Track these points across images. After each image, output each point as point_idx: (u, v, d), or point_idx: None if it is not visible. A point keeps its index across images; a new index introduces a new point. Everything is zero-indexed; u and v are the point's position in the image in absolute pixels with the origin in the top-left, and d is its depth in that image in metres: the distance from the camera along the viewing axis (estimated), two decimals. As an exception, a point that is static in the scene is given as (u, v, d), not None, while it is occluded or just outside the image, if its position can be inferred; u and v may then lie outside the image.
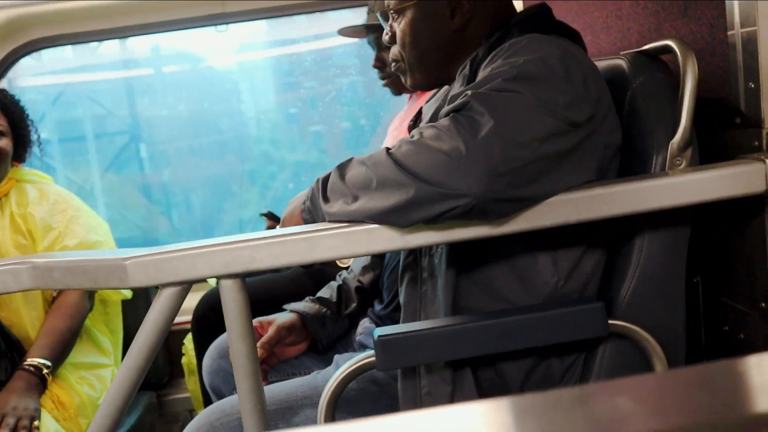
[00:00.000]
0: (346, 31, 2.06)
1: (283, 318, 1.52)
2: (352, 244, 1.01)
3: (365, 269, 1.58)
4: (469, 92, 1.00)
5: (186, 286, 1.03)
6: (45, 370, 1.80)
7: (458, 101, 1.00)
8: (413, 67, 1.31)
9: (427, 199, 0.94)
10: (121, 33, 2.45)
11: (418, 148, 0.97)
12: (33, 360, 1.80)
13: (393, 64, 1.37)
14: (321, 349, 1.54)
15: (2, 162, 1.94)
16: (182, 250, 1.00)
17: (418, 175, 0.95)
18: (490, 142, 0.93)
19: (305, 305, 1.55)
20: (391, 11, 1.31)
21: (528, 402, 0.35)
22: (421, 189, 0.94)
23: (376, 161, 1.01)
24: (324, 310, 1.54)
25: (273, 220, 1.89)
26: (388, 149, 1.02)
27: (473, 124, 0.95)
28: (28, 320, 1.93)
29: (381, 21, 1.36)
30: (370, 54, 2.06)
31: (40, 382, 1.79)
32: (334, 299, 1.57)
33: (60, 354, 1.86)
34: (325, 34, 3.56)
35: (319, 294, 1.59)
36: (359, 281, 1.58)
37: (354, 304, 1.57)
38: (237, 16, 2.43)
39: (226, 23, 2.47)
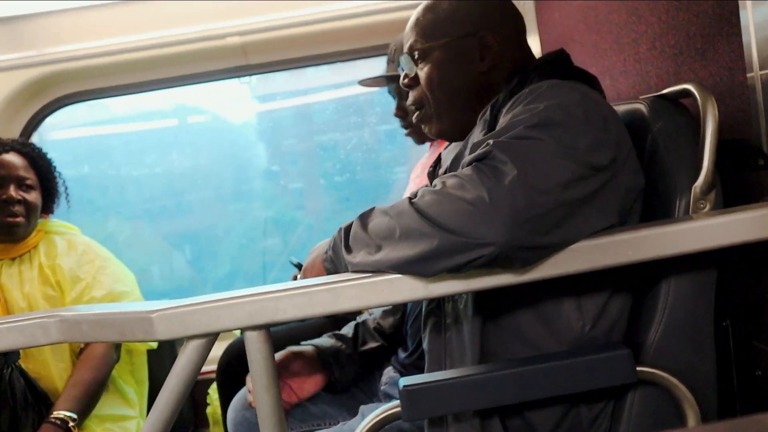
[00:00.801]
0: (367, 82, 2.09)
1: (297, 347, 1.53)
2: (375, 294, 1.01)
3: (386, 313, 1.58)
4: (491, 141, 1.00)
5: (211, 337, 1.03)
6: (71, 423, 1.80)
7: (480, 150, 1.00)
8: (441, 112, 1.31)
9: (451, 249, 0.94)
10: (146, 87, 2.52)
11: (441, 197, 0.97)
12: (59, 413, 1.80)
13: (415, 110, 1.35)
14: (337, 387, 1.53)
15: (32, 215, 1.98)
16: (207, 303, 1.01)
17: (441, 225, 0.95)
18: (513, 190, 0.93)
19: (322, 339, 1.55)
20: (416, 53, 1.31)
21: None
22: (446, 239, 0.94)
23: (399, 211, 1.01)
24: (340, 345, 1.54)
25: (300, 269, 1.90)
26: (410, 199, 1.02)
27: (496, 173, 0.95)
28: (56, 372, 1.94)
29: (403, 63, 1.35)
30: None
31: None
32: (351, 336, 1.57)
33: (86, 406, 1.87)
34: (306, 89, 3.59)
35: (339, 332, 1.59)
36: (378, 323, 1.58)
37: (372, 343, 1.56)
38: (259, 68, 2.48)
39: (249, 75, 2.52)
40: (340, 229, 1.13)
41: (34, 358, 1.93)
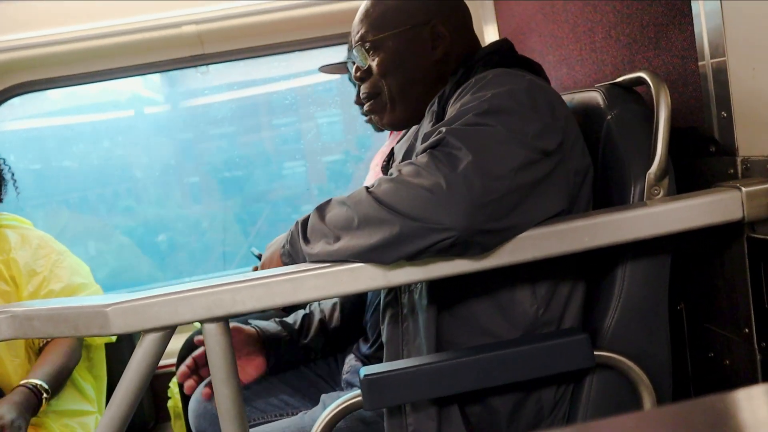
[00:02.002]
0: (327, 69, 2.08)
1: (241, 324, 1.52)
2: (335, 283, 1.01)
3: (333, 307, 1.59)
4: (443, 129, 1.01)
5: (169, 331, 1.02)
6: (44, 395, 1.76)
7: (433, 138, 1.02)
8: (395, 101, 1.31)
9: (411, 235, 0.95)
10: (103, 76, 2.46)
11: (399, 185, 0.98)
12: (35, 380, 1.76)
13: (366, 101, 1.35)
14: (270, 368, 1.52)
15: None
16: (163, 296, 0.99)
17: (400, 212, 0.96)
18: (469, 176, 0.94)
19: (268, 323, 1.55)
20: (367, 44, 1.31)
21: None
22: (405, 225, 0.95)
23: (357, 201, 1.02)
24: (284, 333, 1.54)
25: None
26: (367, 188, 1.02)
27: (451, 160, 0.96)
28: (11, 368, 1.90)
29: (354, 55, 1.35)
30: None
31: (36, 404, 1.75)
32: (297, 326, 1.57)
33: (55, 387, 1.83)
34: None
35: (285, 320, 1.59)
36: (324, 317, 1.58)
37: (315, 337, 1.57)
38: (217, 57, 2.45)
39: (206, 64, 2.49)
40: (297, 222, 1.13)
41: None
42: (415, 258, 0.98)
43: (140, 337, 1.03)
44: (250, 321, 1.56)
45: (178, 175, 3.82)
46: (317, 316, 1.58)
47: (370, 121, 2.04)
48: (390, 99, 1.32)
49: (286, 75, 3.47)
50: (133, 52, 2.42)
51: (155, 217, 3.83)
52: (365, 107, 1.37)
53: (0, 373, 1.90)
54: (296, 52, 2.52)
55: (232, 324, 1.49)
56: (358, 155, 3.68)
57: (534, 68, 1.25)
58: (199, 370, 1.46)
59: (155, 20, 2.32)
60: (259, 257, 1.84)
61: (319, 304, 1.62)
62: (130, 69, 2.47)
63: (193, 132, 3.79)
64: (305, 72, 3.40)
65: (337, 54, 2.42)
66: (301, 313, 1.60)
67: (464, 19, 1.36)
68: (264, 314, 1.98)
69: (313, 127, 3.69)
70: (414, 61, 1.29)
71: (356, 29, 1.34)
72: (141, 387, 1.04)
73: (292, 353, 1.55)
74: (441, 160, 0.97)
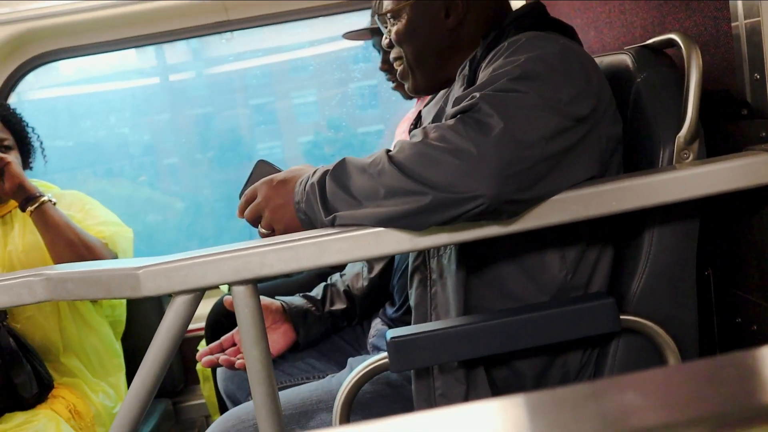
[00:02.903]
0: (351, 35, 2.07)
1: (266, 299, 1.53)
2: (361, 247, 1.01)
3: (357, 276, 1.59)
4: (476, 94, 1.00)
5: (198, 293, 1.03)
6: (45, 200, 1.81)
7: (465, 103, 1.00)
8: (413, 69, 1.33)
9: (440, 205, 0.94)
10: (127, 44, 2.47)
11: (424, 150, 0.96)
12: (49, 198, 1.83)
13: (396, 66, 1.38)
14: (299, 346, 1.54)
15: None
16: (193, 258, 1.00)
17: (428, 182, 0.94)
18: (501, 144, 0.93)
19: (293, 298, 1.56)
20: (388, 14, 1.32)
21: (540, 399, 0.35)
22: (435, 195, 0.94)
23: (380, 170, 0.99)
24: (309, 306, 1.55)
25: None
26: (388, 153, 1.00)
27: (482, 126, 0.95)
28: (49, 328, 1.93)
29: (379, 25, 1.37)
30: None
31: (29, 195, 1.80)
32: (319, 297, 1.58)
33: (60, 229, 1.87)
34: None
35: (308, 293, 1.60)
36: (348, 286, 1.59)
37: (339, 305, 1.57)
38: (241, 23, 2.44)
39: (230, 31, 2.48)
40: (312, 183, 1.06)
41: (20, 316, 1.93)
42: (444, 225, 0.98)
43: (170, 299, 1.04)
44: (277, 297, 1.57)
45: (203, 144, 3.83)
46: (341, 287, 1.59)
47: (396, 88, 2.04)
48: (409, 66, 1.33)
49: (311, 41, 3.45)
50: (157, 19, 2.42)
51: (180, 186, 3.86)
52: (398, 72, 1.38)
53: (34, 334, 1.93)
54: (320, 18, 2.51)
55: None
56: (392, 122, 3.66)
57: (567, 31, 1.23)
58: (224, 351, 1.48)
59: (179, -13, 2.32)
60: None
61: (340, 275, 1.63)
62: (155, 36, 2.47)
63: (217, 99, 3.80)
64: (329, 38, 3.37)
65: (362, 18, 2.40)
66: (322, 285, 1.60)
67: None
68: (291, 277, 2.00)
69: (337, 95, 3.67)
70: (426, 30, 1.29)
71: None
72: (172, 349, 1.06)
73: (320, 324, 1.56)
74: (472, 126, 0.96)
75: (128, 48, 2.50)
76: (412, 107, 2.15)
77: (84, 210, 2.02)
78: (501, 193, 0.93)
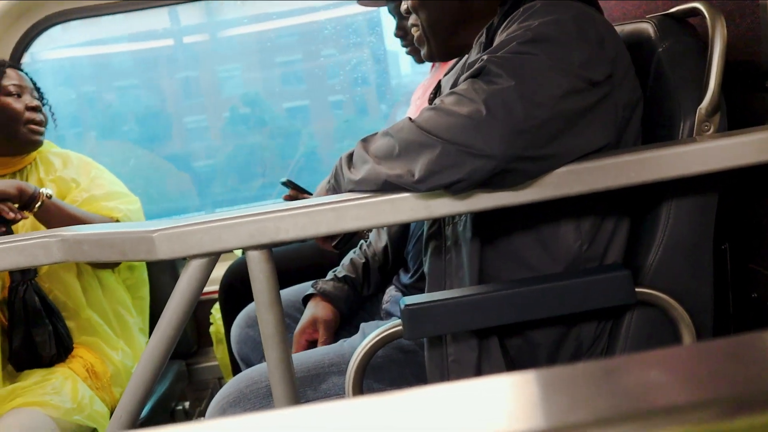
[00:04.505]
0: (366, 2, 2.04)
1: (322, 313, 1.52)
2: (377, 213, 1.01)
3: (385, 251, 1.59)
4: (485, 57, 1.01)
5: (213, 257, 1.04)
6: (44, 196, 1.78)
7: (475, 67, 1.02)
8: (428, 36, 1.33)
9: (449, 160, 0.95)
10: (134, 6, 2.44)
11: (440, 112, 0.99)
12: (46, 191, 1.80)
13: (414, 30, 1.38)
14: (342, 324, 1.55)
15: (45, 126, 1.99)
16: (208, 222, 1.01)
17: (439, 137, 0.96)
18: (510, 102, 0.95)
19: (334, 287, 1.55)
20: None
21: (555, 375, 0.35)
22: (444, 149, 0.96)
23: (399, 128, 1.03)
24: (350, 291, 1.56)
25: (293, 188, 1.89)
26: (411, 119, 1.03)
27: (492, 86, 0.97)
28: (73, 285, 1.95)
29: None
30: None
31: (33, 195, 1.77)
32: (360, 280, 1.58)
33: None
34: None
35: (345, 271, 1.58)
36: (380, 259, 1.59)
37: (376, 283, 1.58)
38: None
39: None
40: (341, 156, 1.14)
41: (49, 275, 1.94)
42: (455, 188, 0.98)
43: (185, 263, 1.05)
44: (313, 288, 1.56)
45: (218, 107, 3.82)
46: (375, 265, 1.59)
47: (410, 52, 2.02)
48: (424, 33, 1.34)
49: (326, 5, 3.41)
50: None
51: (194, 148, 3.86)
52: (415, 38, 1.38)
53: (58, 292, 1.95)
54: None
55: (313, 315, 1.51)
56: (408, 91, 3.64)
57: None
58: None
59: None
60: (287, 184, 1.85)
61: (367, 249, 1.62)
62: (167, -2, 2.45)
63: (237, 62, 3.78)
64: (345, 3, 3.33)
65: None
66: (359, 262, 1.59)
67: None
68: (305, 241, 2.00)
69: (354, 58, 3.65)
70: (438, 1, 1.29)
71: None
72: (187, 311, 1.07)
73: (359, 303, 1.58)
74: (481, 87, 0.97)
75: (141, 9, 2.47)
76: (428, 74, 2.13)
77: (90, 177, 2.02)
78: (510, 150, 0.94)
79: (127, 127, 3.72)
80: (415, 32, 1.37)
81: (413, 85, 2.63)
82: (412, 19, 1.37)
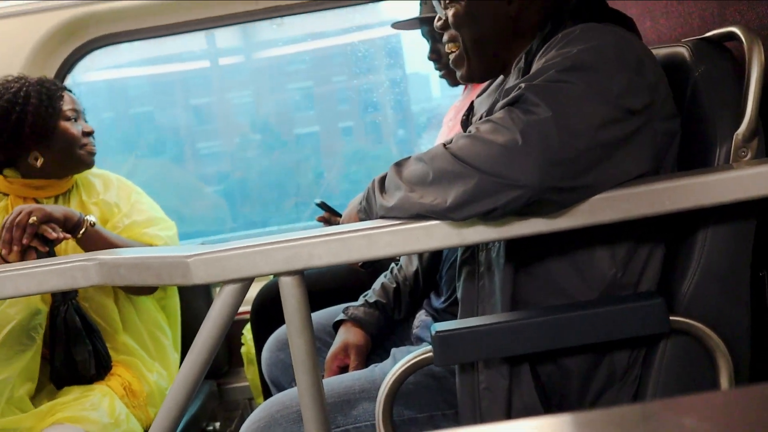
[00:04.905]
0: (400, 25, 2.06)
1: (353, 338, 1.53)
2: (409, 240, 1.01)
3: (416, 276, 1.58)
4: (523, 85, 1.01)
5: (247, 282, 1.05)
6: (89, 223, 1.80)
7: (513, 94, 1.01)
8: (469, 55, 1.29)
9: (484, 191, 0.95)
10: (179, 28, 2.49)
11: (475, 140, 0.98)
12: (90, 218, 1.82)
13: (449, 50, 1.34)
14: (373, 348, 1.55)
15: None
16: (243, 248, 1.02)
17: (475, 166, 0.96)
18: (546, 132, 0.94)
19: (365, 313, 1.55)
20: None
21: (590, 418, 0.34)
22: (480, 179, 0.95)
23: (433, 155, 1.03)
24: (381, 317, 1.55)
25: (327, 210, 1.90)
26: (445, 145, 1.02)
27: (528, 115, 0.96)
28: (110, 307, 1.98)
29: (436, 6, 1.34)
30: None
31: (77, 222, 1.79)
32: (391, 305, 1.57)
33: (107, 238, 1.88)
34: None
35: (376, 296, 1.58)
36: (411, 284, 1.58)
37: (407, 308, 1.58)
38: (292, 8, 2.45)
39: (281, 16, 2.49)
40: (374, 179, 1.14)
41: (87, 298, 1.97)
42: (489, 216, 0.98)
43: (219, 288, 1.06)
44: (344, 314, 1.56)
45: (253, 127, 3.87)
46: (406, 290, 1.58)
47: (444, 76, 2.03)
48: (465, 51, 1.30)
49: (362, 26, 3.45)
50: (210, 5, 2.43)
51: (230, 167, 3.91)
52: (450, 55, 1.34)
53: (98, 313, 1.98)
54: (370, 4, 2.50)
55: (343, 345, 1.51)
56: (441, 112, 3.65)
57: (626, 22, 1.20)
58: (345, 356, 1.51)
59: (231, -28, 2.33)
60: (321, 206, 1.87)
61: (398, 274, 1.62)
62: (206, 21, 2.49)
63: (270, 83, 3.82)
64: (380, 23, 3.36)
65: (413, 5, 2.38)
66: (390, 287, 1.58)
67: None
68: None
69: (386, 80, 3.67)
70: (487, 16, 1.26)
71: None
72: (220, 335, 1.08)
73: (391, 327, 1.58)
74: (518, 116, 0.96)
75: (179, 33, 2.53)
76: (460, 96, 2.13)
77: (130, 202, 2.05)
78: (545, 181, 0.94)
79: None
80: (453, 49, 1.33)
81: (441, 109, 2.64)
82: (448, 35, 1.33)
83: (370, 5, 2.63)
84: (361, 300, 1.59)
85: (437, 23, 1.34)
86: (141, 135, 3.82)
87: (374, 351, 1.54)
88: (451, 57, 1.34)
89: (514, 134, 0.95)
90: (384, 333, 1.56)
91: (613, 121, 0.98)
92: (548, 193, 0.95)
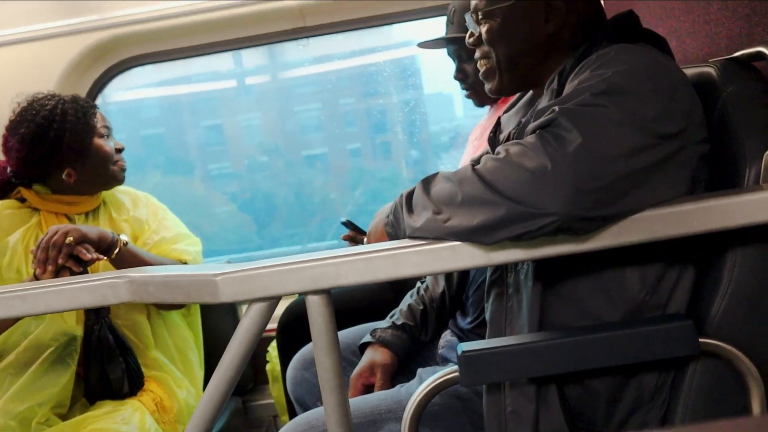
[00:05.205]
0: (427, 44, 2.07)
1: (380, 358, 1.52)
2: (436, 260, 1.01)
3: (442, 297, 1.58)
4: (556, 108, 1.00)
5: (274, 301, 1.06)
6: (122, 243, 1.82)
7: (545, 117, 1.00)
8: (502, 69, 1.29)
9: (512, 218, 0.94)
10: (206, 50, 2.54)
11: (504, 164, 0.97)
12: (123, 238, 1.85)
13: (480, 66, 1.33)
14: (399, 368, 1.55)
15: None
16: (270, 267, 1.03)
17: (503, 193, 0.95)
18: (577, 159, 0.93)
19: (392, 336, 1.54)
20: (480, 12, 1.28)
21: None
22: (507, 207, 0.94)
23: (462, 177, 1.02)
24: (408, 339, 1.55)
25: (352, 228, 1.91)
26: (473, 166, 1.02)
27: (560, 141, 0.95)
28: (142, 323, 2.00)
29: (468, 21, 1.34)
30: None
31: (111, 242, 1.81)
32: (419, 327, 1.57)
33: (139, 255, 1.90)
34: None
35: (403, 318, 1.57)
36: (437, 305, 1.57)
37: (433, 329, 1.58)
38: (316, 30, 2.48)
39: (306, 37, 2.52)
40: (402, 194, 1.14)
41: (119, 315, 2.00)
42: (516, 240, 0.97)
43: (247, 306, 1.07)
44: (372, 337, 1.56)
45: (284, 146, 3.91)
46: (432, 312, 1.58)
47: (469, 96, 2.03)
48: (498, 67, 1.29)
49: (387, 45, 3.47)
50: (236, 26, 2.48)
51: (254, 187, 3.95)
52: (481, 74, 1.34)
53: (131, 330, 2.00)
54: (396, 24, 2.52)
55: (369, 364, 1.51)
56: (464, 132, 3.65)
57: (659, 43, 1.19)
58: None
59: (259, -7, 2.38)
60: (347, 224, 1.88)
61: (425, 294, 1.61)
62: (233, 42, 2.54)
63: (295, 103, 3.87)
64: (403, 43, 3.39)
65: (437, 24, 2.40)
66: (416, 309, 1.58)
67: None
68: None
69: (412, 99, 3.69)
70: (524, 32, 1.25)
71: None
72: (247, 353, 1.09)
73: (417, 348, 1.58)
74: (549, 141, 0.95)
75: (207, 54, 2.57)
76: (485, 114, 2.13)
77: (158, 219, 2.08)
78: (574, 209, 0.93)
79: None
80: (485, 65, 1.32)
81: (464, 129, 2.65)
82: (481, 51, 1.32)
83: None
84: (388, 321, 1.59)
85: (469, 39, 1.33)
86: (151, 155, 3.88)
87: (400, 371, 1.54)
88: (482, 71, 1.33)
89: (544, 160, 0.94)
90: (411, 354, 1.56)
91: (646, 147, 0.97)
92: (577, 222, 0.94)
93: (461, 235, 0.99)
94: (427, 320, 1.57)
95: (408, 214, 1.09)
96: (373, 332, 1.56)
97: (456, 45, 1.97)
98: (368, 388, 1.49)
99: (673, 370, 1.14)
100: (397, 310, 1.61)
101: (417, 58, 3.40)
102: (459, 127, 3.68)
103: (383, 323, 1.59)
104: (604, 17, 1.29)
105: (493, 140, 1.39)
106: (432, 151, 3.71)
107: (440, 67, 2.14)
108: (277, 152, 3.88)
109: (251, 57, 3.68)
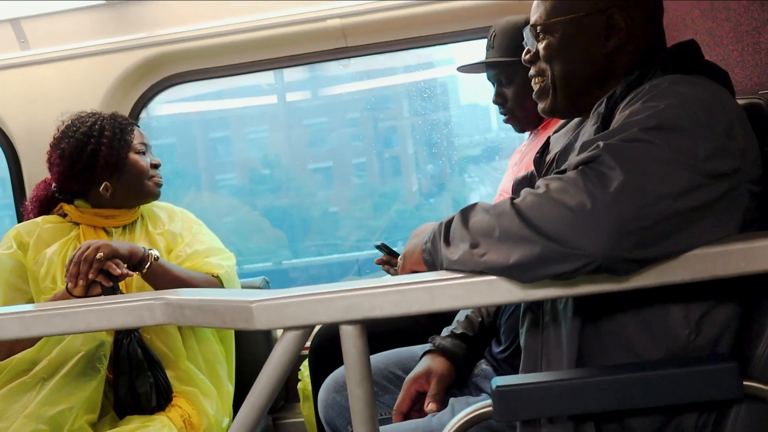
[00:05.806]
0: (466, 68, 2.06)
1: (438, 367, 1.49)
2: (472, 294, 1.00)
3: (481, 322, 1.55)
4: (601, 143, 0.97)
5: (308, 330, 1.05)
6: (153, 258, 1.84)
7: (589, 153, 0.97)
8: (557, 89, 1.26)
9: (549, 258, 0.92)
10: (249, 68, 2.57)
11: (543, 200, 0.95)
12: (154, 253, 1.87)
13: (534, 84, 1.31)
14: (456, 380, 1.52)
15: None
16: (304, 296, 1.02)
17: (541, 231, 0.92)
18: (619, 198, 0.90)
19: (452, 344, 1.51)
20: (538, 27, 1.26)
21: None
22: (544, 246, 0.92)
23: (501, 212, 0.99)
24: (467, 349, 1.52)
25: (387, 252, 1.90)
26: (512, 200, 1.00)
27: (602, 179, 0.92)
28: (174, 336, 2.02)
29: (526, 37, 1.31)
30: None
31: (142, 257, 1.83)
32: (477, 337, 1.54)
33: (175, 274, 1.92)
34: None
35: (462, 328, 1.54)
36: (477, 332, 1.55)
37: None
38: (357, 50, 2.49)
39: (348, 57, 2.54)
40: (441, 222, 1.11)
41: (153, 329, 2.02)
42: (554, 279, 0.95)
43: (282, 332, 1.07)
44: (436, 344, 1.54)
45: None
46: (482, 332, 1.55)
47: (508, 121, 2.02)
48: (552, 85, 1.26)
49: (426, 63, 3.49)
50: (278, 45, 2.50)
51: (289, 201, 3.99)
52: (534, 93, 1.31)
53: (160, 346, 2.02)
54: (436, 46, 2.53)
55: (424, 372, 1.48)
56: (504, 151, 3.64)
57: (719, 76, 1.15)
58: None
59: (301, 14, 2.40)
60: (381, 248, 1.86)
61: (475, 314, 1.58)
62: (275, 61, 2.56)
63: (332, 118, 3.91)
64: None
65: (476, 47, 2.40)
66: (476, 322, 1.55)
67: (650, 12, 1.24)
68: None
69: (446, 118, 3.70)
70: (582, 50, 1.23)
71: (534, 10, 1.29)
72: (280, 379, 1.08)
73: (473, 363, 1.55)
74: (591, 178, 0.92)
75: (250, 72, 2.60)
76: (525, 140, 2.11)
77: (192, 233, 2.11)
78: (614, 252, 0.90)
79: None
80: (538, 84, 1.29)
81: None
82: (535, 69, 1.30)
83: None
84: (446, 331, 1.56)
85: (525, 56, 1.30)
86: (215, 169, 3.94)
87: (456, 383, 1.50)
88: (535, 89, 1.31)
89: (584, 198, 0.91)
90: (470, 364, 1.52)
91: (694, 187, 0.94)
92: (617, 264, 0.91)
93: (498, 271, 0.97)
94: (484, 334, 1.54)
95: (445, 245, 1.07)
96: (432, 339, 1.54)
97: (496, 69, 1.96)
98: (420, 395, 1.46)
99: (715, 412, 1.11)
100: (455, 322, 1.58)
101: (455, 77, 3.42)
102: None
103: (444, 331, 1.56)
104: (664, 43, 1.26)
105: (540, 161, 1.37)
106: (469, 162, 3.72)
107: (475, 78, 2.13)
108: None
109: (292, 73, 3.73)
